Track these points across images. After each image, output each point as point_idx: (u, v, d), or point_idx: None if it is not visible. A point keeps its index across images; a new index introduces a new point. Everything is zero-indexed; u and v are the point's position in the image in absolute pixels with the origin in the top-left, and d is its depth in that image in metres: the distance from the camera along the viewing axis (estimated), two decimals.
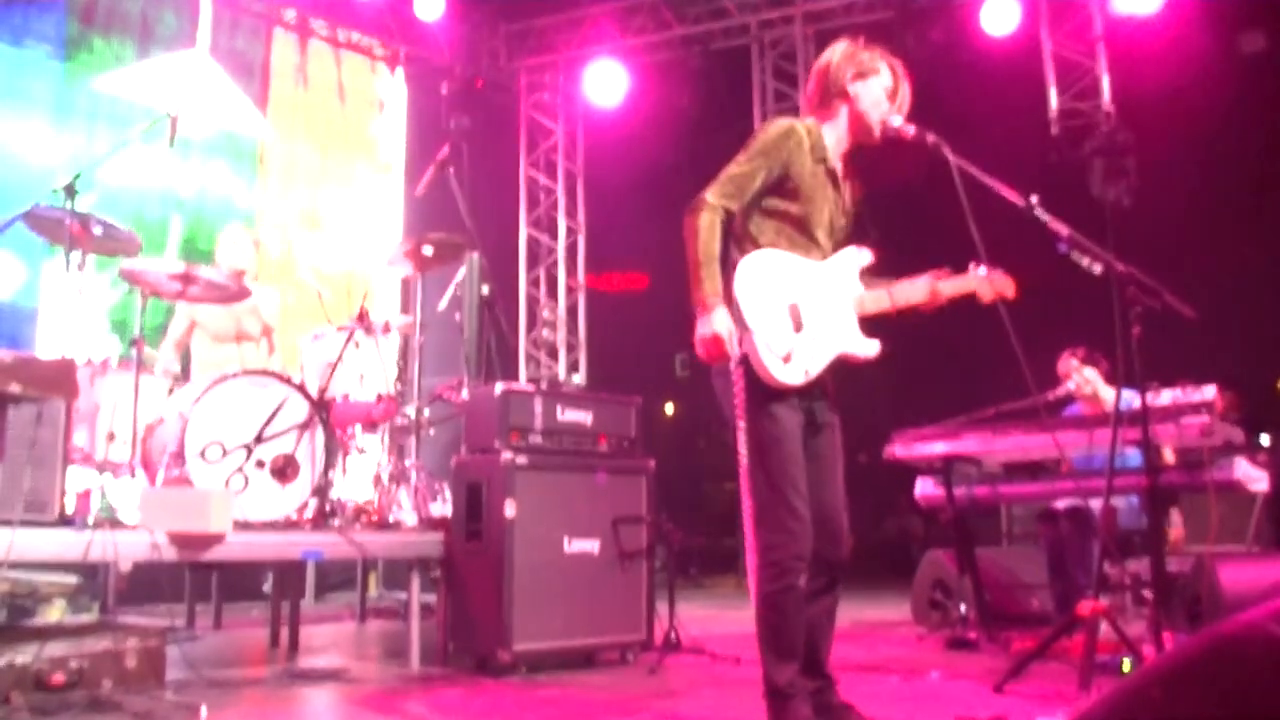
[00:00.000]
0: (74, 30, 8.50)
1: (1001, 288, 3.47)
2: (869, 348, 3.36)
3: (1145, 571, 5.14)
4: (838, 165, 3.39)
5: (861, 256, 3.40)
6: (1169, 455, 4.85)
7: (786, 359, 3.16)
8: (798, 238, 3.30)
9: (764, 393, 3.17)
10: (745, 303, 3.15)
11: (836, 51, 3.42)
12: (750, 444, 3.20)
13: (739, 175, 3.25)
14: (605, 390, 5.40)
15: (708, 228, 3.15)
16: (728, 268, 3.20)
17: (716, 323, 3.06)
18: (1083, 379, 5.74)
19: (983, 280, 3.45)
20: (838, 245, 3.41)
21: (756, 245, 3.28)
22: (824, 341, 3.26)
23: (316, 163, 10.12)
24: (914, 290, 3.41)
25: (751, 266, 3.20)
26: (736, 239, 3.30)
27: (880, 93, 3.34)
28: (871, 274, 3.42)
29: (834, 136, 3.40)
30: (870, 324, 3.39)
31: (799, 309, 3.22)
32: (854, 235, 3.48)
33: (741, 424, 3.20)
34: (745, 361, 3.16)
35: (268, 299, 6.19)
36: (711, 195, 3.20)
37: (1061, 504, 5.61)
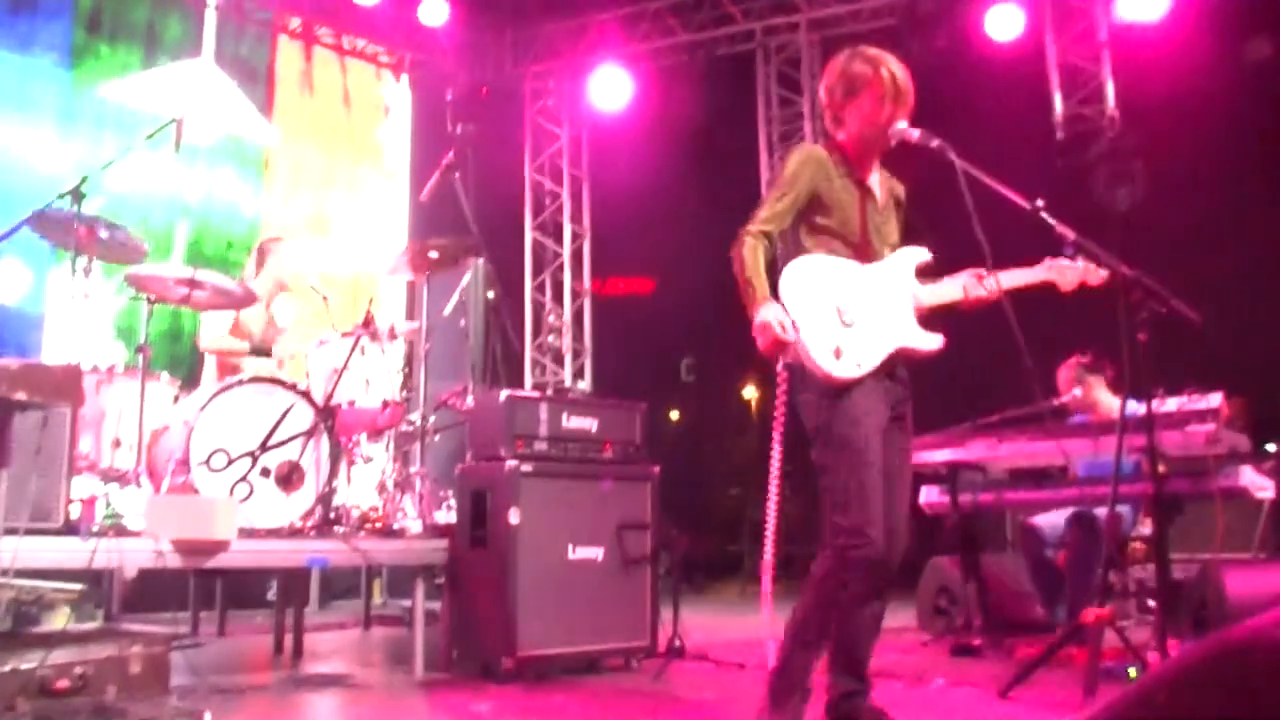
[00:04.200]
0: (80, 38, 8.52)
1: (1086, 276, 3.52)
2: (930, 342, 3.43)
3: (1150, 579, 5.12)
4: (860, 175, 3.46)
5: (918, 254, 3.50)
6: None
7: (837, 353, 3.23)
8: (842, 249, 3.40)
9: (836, 391, 3.23)
10: (790, 303, 3.23)
11: (830, 72, 3.51)
12: (830, 442, 3.24)
13: (773, 204, 3.38)
14: (611, 396, 5.40)
15: (750, 250, 3.29)
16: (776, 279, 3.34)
17: (765, 313, 3.16)
18: (1085, 388, 5.72)
19: (1063, 269, 3.50)
20: (892, 247, 3.50)
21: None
22: (876, 336, 3.32)
23: (322, 168, 10.14)
24: (949, 287, 3.47)
25: (793, 273, 3.30)
26: (787, 256, 3.41)
27: (873, 104, 3.37)
28: (925, 273, 3.48)
29: (850, 151, 3.48)
30: (930, 320, 3.45)
31: (843, 307, 3.29)
32: (907, 236, 3.57)
33: (779, 417, 3.25)
34: (800, 365, 3.25)
35: (284, 311, 6.20)
36: (751, 226, 3.33)
37: (1039, 518, 5.61)
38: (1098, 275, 3.56)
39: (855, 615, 3.34)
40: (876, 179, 3.51)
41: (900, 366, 3.42)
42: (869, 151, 3.47)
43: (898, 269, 3.45)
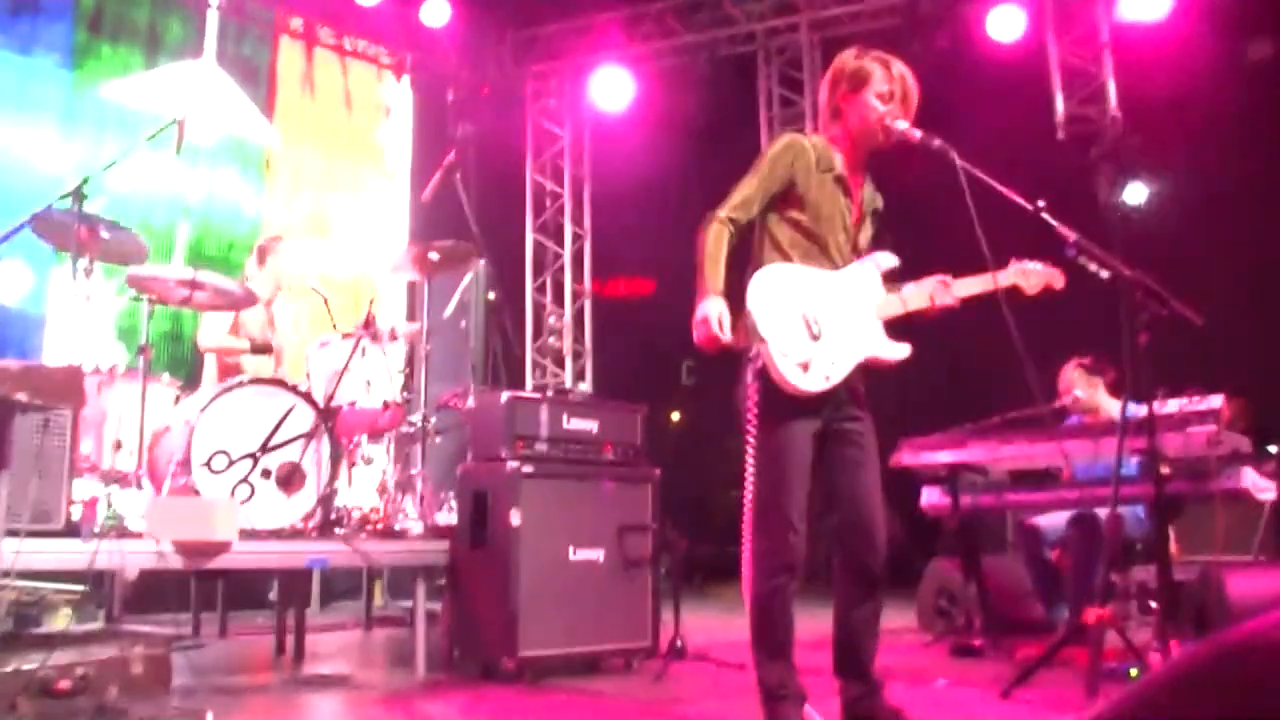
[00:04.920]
0: (82, 39, 8.52)
1: (1048, 278, 3.52)
2: (897, 351, 3.40)
3: (1151, 580, 5.12)
4: (846, 174, 3.42)
5: (884, 260, 3.46)
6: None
7: (805, 367, 3.21)
8: (810, 246, 3.37)
9: (779, 404, 3.22)
10: (758, 314, 3.21)
11: (836, 65, 3.49)
12: (757, 453, 3.27)
13: (744, 190, 3.36)
14: (612, 398, 5.40)
15: (713, 237, 3.26)
16: (745, 277, 3.30)
17: (707, 306, 3.16)
18: (1085, 392, 5.71)
19: (1026, 272, 3.51)
20: (857, 251, 3.46)
21: (775, 251, 3.36)
22: (844, 348, 3.29)
23: (323, 169, 10.14)
24: (918, 293, 3.44)
25: (763, 281, 3.27)
26: (756, 249, 3.40)
27: (876, 100, 3.37)
28: (890, 278, 3.45)
29: (843, 147, 3.44)
30: (897, 328, 3.42)
31: (813, 318, 3.26)
32: (874, 241, 3.54)
33: (751, 433, 3.23)
34: (762, 373, 3.22)
35: (284, 312, 6.21)
36: (720, 211, 3.31)
37: (1042, 519, 5.61)
38: (1059, 279, 3.56)
39: (850, 617, 3.35)
40: (851, 178, 3.46)
41: (855, 373, 3.36)
42: (863, 150, 3.45)
43: (866, 275, 3.41)
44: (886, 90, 3.38)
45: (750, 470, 3.26)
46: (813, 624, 3.58)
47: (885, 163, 3.56)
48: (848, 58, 3.47)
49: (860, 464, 3.35)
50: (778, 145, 3.43)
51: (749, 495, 3.25)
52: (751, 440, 3.24)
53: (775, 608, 3.25)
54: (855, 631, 3.36)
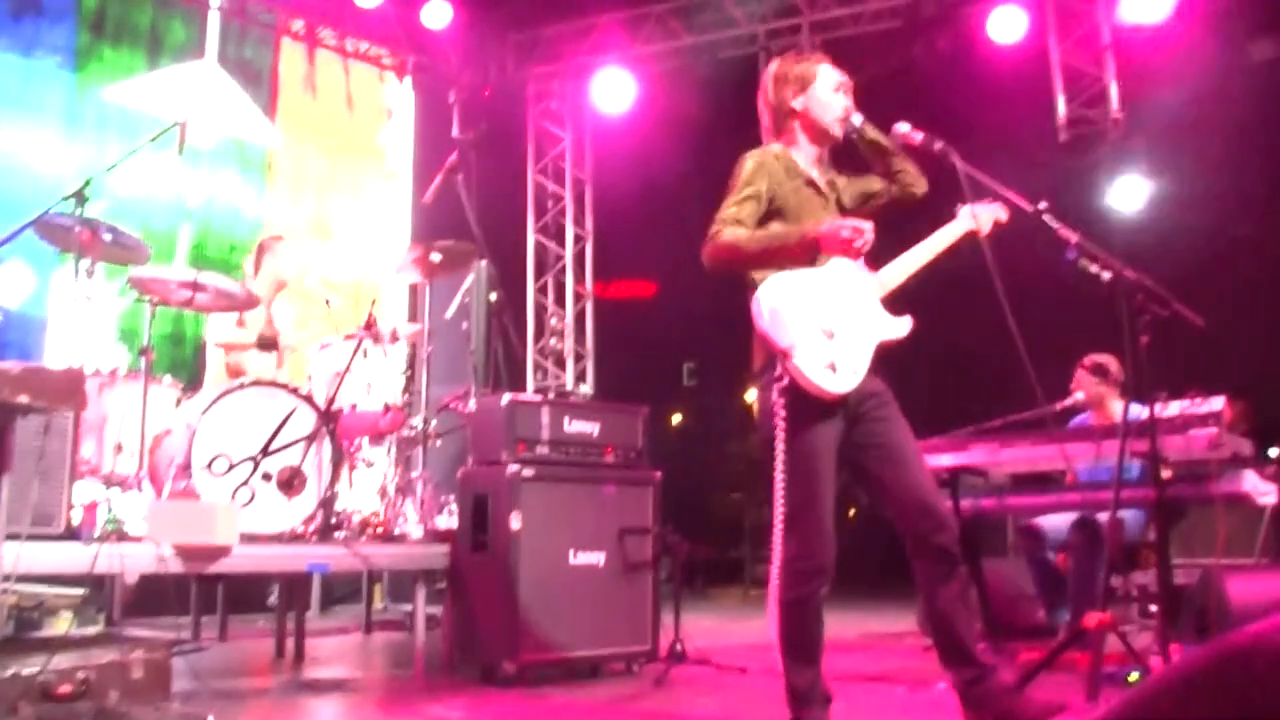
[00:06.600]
0: (84, 41, 8.53)
1: (994, 214, 3.59)
2: (900, 327, 3.41)
3: (1152, 584, 5.12)
4: (815, 175, 3.46)
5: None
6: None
7: (833, 368, 3.21)
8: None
9: (808, 412, 3.21)
10: (775, 329, 3.18)
11: (769, 78, 3.53)
12: (788, 463, 3.23)
13: (735, 207, 3.31)
14: (613, 399, 5.40)
15: (730, 233, 3.25)
16: (747, 289, 3.28)
17: (828, 226, 3.19)
18: (1088, 392, 5.71)
19: (975, 214, 3.55)
20: None
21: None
22: (859, 339, 3.31)
23: (325, 171, 10.14)
24: (897, 268, 3.48)
25: (767, 294, 3.23)
26: (751, 274, 3.36)
27: (827, 93, 3.40)
28: (871, 260, 3.46)
29: (803, 153, 3.48)
30: (895, 308, 3.44)
31: (825, 318, 3.26)
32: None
33: (780, 439, 3.21)
34: (789, 387, 3.20)
35: (283, 312, 6.21)
36: (716, 225, 3.29)
37: (1044, 520, 5.60)
38: (1004, 212, 3.60)
39: (937, 602, 3.33)
40: (819, 176, 3.49)
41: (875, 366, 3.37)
42: (823, 146, 3.49)
43: (850, 265, 3.39)
44: (835, 83, 3.41)
45: (780, 481, 3.24)
46: (836, 628, 3.56)
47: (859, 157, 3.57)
48: (786, 62, 3.52)
49: (903, 447, 3.32)
50: (750, 164, 3.39)
51: (780, 505, 3.23)
52: (779, 452, 3.22)
53: (808, 612, 3.24)
54: (946, 616, 3.33)
